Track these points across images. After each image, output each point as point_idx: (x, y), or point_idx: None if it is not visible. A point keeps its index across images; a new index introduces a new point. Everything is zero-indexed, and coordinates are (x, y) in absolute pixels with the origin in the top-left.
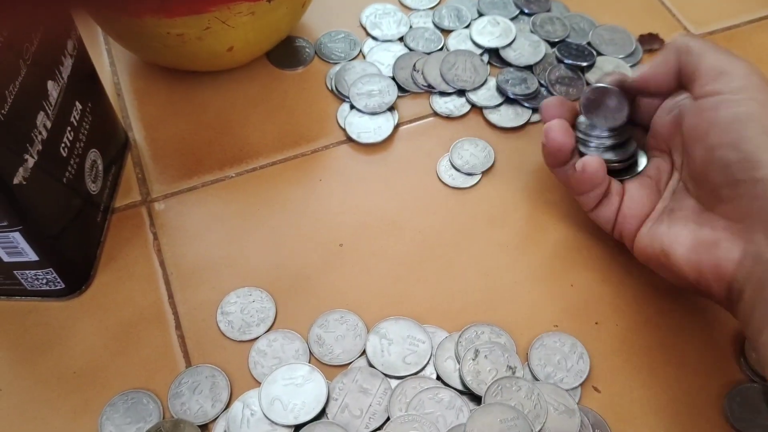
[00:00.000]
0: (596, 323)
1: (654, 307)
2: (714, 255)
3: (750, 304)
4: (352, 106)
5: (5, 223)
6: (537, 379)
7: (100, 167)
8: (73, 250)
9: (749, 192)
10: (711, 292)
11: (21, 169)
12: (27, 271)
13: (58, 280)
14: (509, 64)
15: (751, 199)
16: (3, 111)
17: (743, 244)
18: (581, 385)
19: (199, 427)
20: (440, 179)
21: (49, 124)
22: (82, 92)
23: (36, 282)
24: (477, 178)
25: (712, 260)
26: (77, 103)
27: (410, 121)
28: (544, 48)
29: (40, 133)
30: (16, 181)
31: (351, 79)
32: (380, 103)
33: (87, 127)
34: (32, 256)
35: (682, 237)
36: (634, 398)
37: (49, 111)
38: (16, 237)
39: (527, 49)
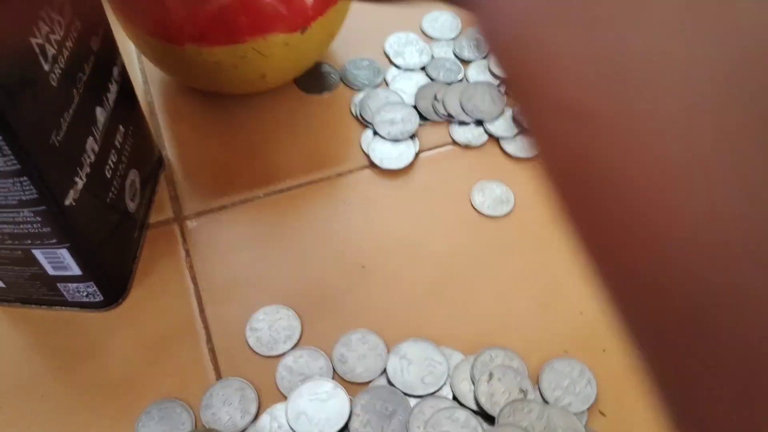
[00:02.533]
0: (603, 350)
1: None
2: None
3: None
4: (375, 133)
5: (54, 240)
6: (547, 402)
7: (138, 186)
8: (112, 264)
9: None
10: None
11: (71, 191)
12: (70, 284)
13: (98, 292)
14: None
15: None
16: (58, 138)
17: None
18: (588, 409)
19: None
20: (474, 207)
21: (96, 148)
22: (125, 116)
23: (77, 294)
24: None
25: None
26: (120, 127)
27: (430, 149)
28: None
29: (89, 156)
30: (67, 202)
31: (374, 106)
32: (402, 130)
33: (128, 148)
34: (76, 271)
35: None
36: (639, 423)
37: (96, 135)
38: (63, 253)
39: None
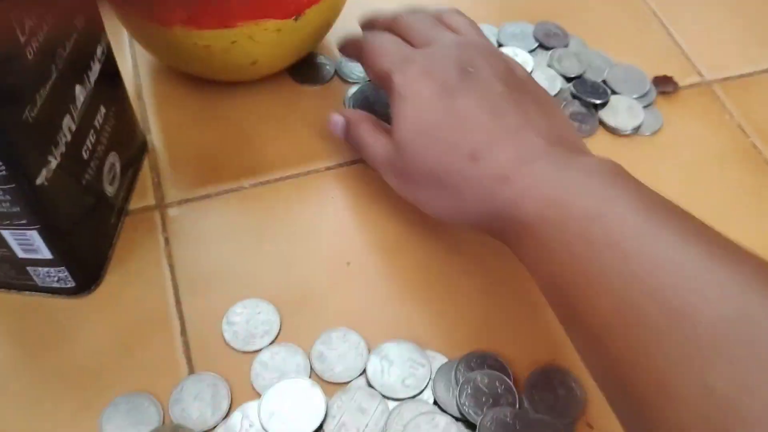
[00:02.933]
0: None
1: None
2: None
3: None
4: None
5: (24, 221)
6: (532, 412)
7: (118, 170)
8: (86, 249)
9: None
10: None
11: (44, 171)
12: (40, 268)
13: (69, 278)
14: None
15: None
16: (32, 114)
17: None
18: (575, 420)
19: None
20: None
21: (74, 127)
22: (107, 97)
23: (47, 279)
24: None
25: None
26: (101, 107)
27: None
28: (559, 83)
29: (65, 135)
30: (38, 181)
31: (372, 100)
32: None
33: (108, 130)
34: (46, 254)
35: None
36: None
37: (74, 114)
38: (33, 235)
39: (543, 83)
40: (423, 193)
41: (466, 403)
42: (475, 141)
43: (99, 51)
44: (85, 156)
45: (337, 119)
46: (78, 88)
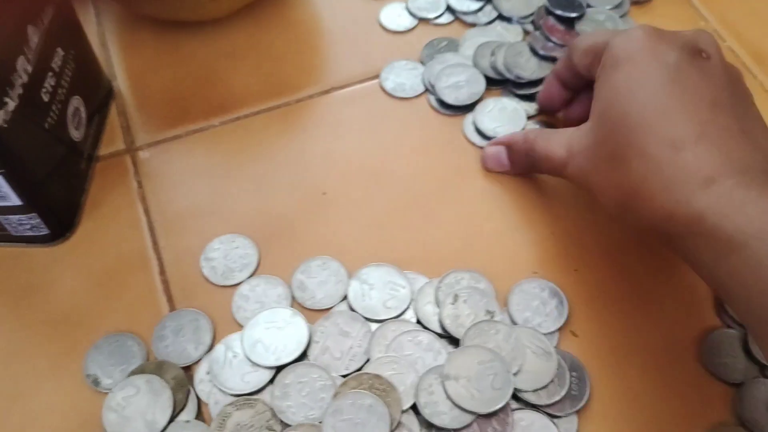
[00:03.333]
0: (575, 270)
1: (633, 254)
2: None
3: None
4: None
5: None
6: (515, 324)
7: (83, 115)
8: (57, 196)
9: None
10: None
11: (2, 112)
12: (11, 216)
13: (43, 225)
14: (502, 16)
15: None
16: None
17: None
18: (559, 329)
19: (182, 368)
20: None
21: (29, 69)
22: (64, 39)
23: (20, 227)
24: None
25: None
26: (59, 50)
27: None
28: (536, 0)
29: (20, 76)
30: None
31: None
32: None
33: (69, 73)
34: (15, 201)
35: None
36: (612, 343)
37: (29, 55)
38: None
39: (519, 0)
40: (605, 175)
41: (449, 319)
42: (682, 127)
43: None
44: (45, 98)
45: (495, 150)
46: (30, 29)
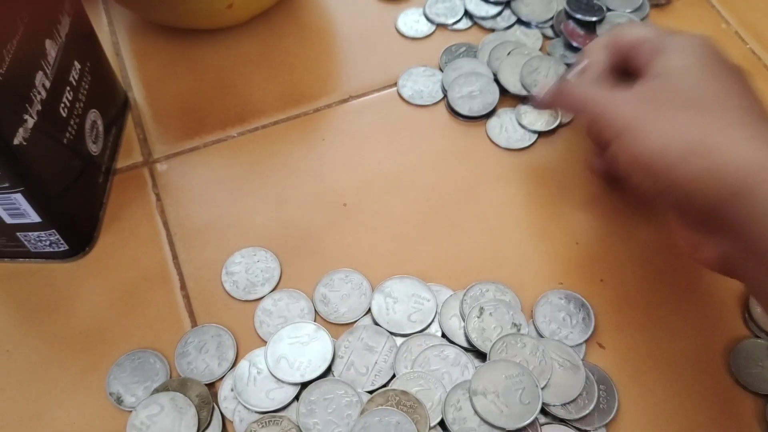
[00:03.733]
0: (601, 280)
1: (658, 264)
2: None
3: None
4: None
5: (6, 184)
6: (542, 336)
7: (101, 128)
8: (76, 211)
9: None
10: None
11: (21, 130)
12: (30, 233)
13: (62, 241)
14: (521, 21)
15: None
16: (1, 71)
17: None
18: (586, 341)
19: (206, 385)
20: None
21: (48, 84)
22: (81, 51)
23: (39, 244)
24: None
25: None
26: (76, 63)
27: None
28: (555, 5)
29: (39, 93)
30: (16, 141)
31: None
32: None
33: (86, 86)
34: (35, 218)
35: None
36: (639, 354)
37: (47, 70)
38: (18, 198)
39: (539, 5)
40: (661, 123)
41: (475, 333)
42: (748, 108)
43: (67, 4)
44: (64, 114)
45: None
46: (48, 43)
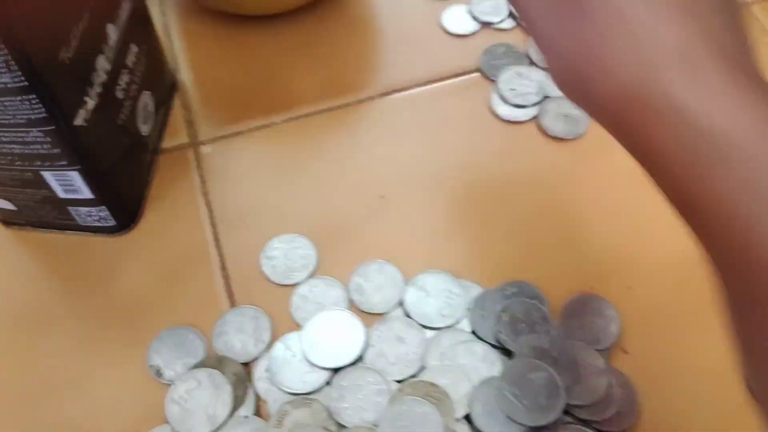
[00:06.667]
0: (629, 287)
1: (688, 273)
2: None
3: None
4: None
5: (64, 162)
6: (569, 338)
7: (151, 109)
8: (124, 188)
9: None
10: None
11: (82, 111)
12: (81, 208)
13: (110, 217)
14: None
15: None
16: (68, 55)
17: None
18: (611, 346)
19: (242, 365)
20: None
21: (108, 67)
22: (138, 35)
23: (89, 218)
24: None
25: None
26: (132, 46)
27: (455, 76)
28: None
29: (100, 75)
30: (77, 122)
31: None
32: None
33: (141, 69)
34: (87, 194)
35: None
36: (663, 363)
37: (108, 54)
38: (73, 176)
39: None
40: (560, 28)
41: (503, 331)
42: None
43: None
44: (120, 96)
45: None
46: (110, 27)
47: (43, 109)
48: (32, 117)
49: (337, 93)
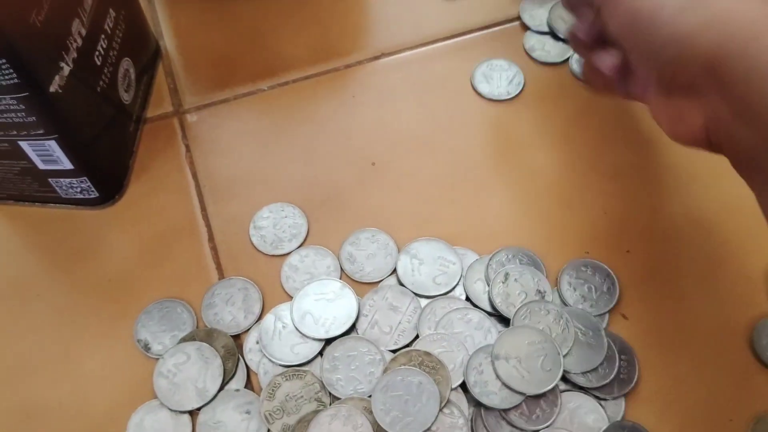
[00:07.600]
0: (627, 251)
1: (685, 237)
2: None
3: None
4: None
5: (41, 131)
6: (566, 304)
7: (132, 76)
8: (107, 159)
9: None
10: None
11: (57, 77)
12: (62, 179)
13: (92, 188)
14: None
15: None
16: (39, 18)
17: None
18: (609, 311)
19: (232, 337)
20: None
21: (84, 32)
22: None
23: (70, 190)
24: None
25: None
26: (111, 10)
27: (447, 38)
28: None
29: (75, 40)
30: (52, 89)
31: None
32: None
33: (120, 34)
34: (67, 165)
35: None
36: (662, 327)
37: (84, 18)
38: (52, 145)
39: None
40: None
41: (499, 298)
42: None
43: None
44: (98, 62)
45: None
46: None
47: (15, 75)
48: (3, 83)
49: (324, 57)
